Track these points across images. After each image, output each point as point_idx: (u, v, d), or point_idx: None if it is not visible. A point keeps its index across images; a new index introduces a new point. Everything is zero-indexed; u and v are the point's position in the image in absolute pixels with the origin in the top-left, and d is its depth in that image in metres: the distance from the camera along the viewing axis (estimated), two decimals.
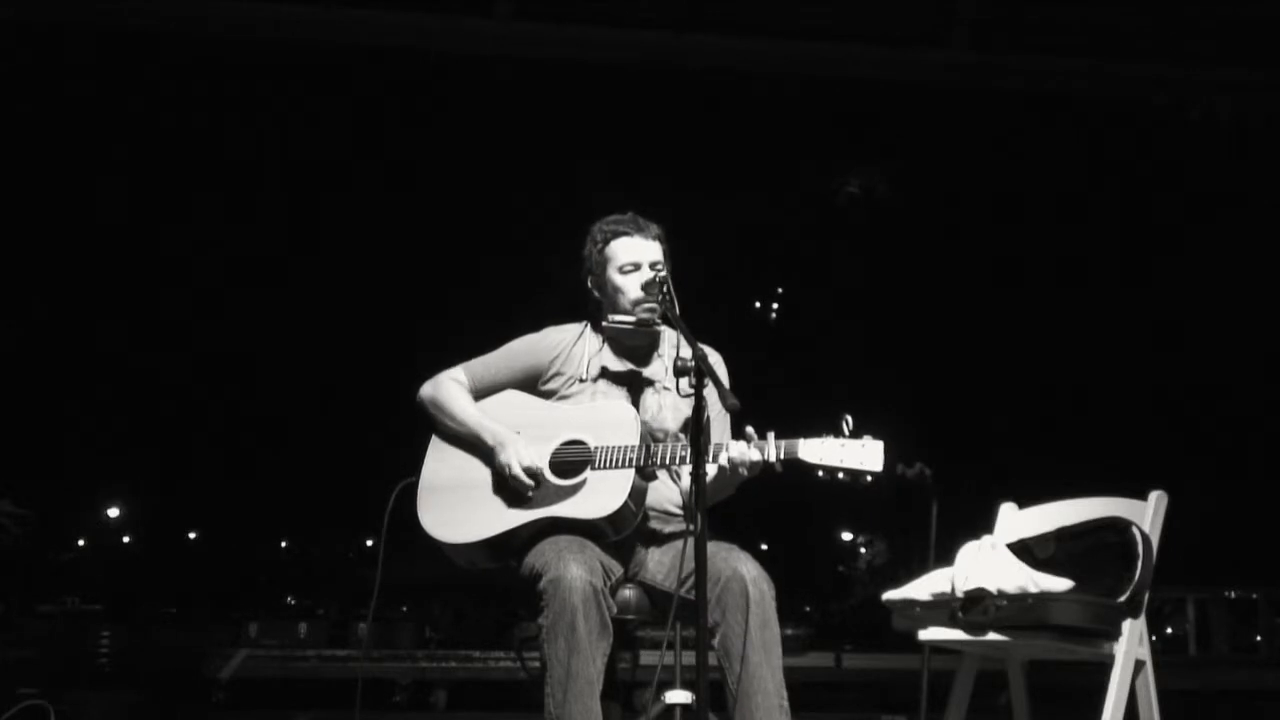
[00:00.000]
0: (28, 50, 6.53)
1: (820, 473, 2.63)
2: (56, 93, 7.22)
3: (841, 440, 2.63)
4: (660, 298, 2.84)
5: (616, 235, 2.98)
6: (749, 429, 2.69)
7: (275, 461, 12.44)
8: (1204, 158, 7.57)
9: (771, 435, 2.68)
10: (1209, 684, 7.59)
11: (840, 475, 2.62)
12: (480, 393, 3.00)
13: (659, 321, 2.94)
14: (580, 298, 3.06)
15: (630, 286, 2.93)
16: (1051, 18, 6.32)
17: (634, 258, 2.95)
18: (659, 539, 2.92)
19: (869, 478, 2.62)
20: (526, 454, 2.81)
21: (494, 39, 6.39)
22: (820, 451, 2.64)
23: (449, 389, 2.99)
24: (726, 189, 8.39)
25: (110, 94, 7.57)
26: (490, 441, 2.86)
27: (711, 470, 2.69)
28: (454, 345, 3.10)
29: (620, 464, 2.76)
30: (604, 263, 2.98)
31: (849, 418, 2.63)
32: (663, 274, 2.91)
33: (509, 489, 2.83)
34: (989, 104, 7.32)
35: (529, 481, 2.79)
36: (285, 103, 7.93)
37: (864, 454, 2.62)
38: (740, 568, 2.70)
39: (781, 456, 2.66)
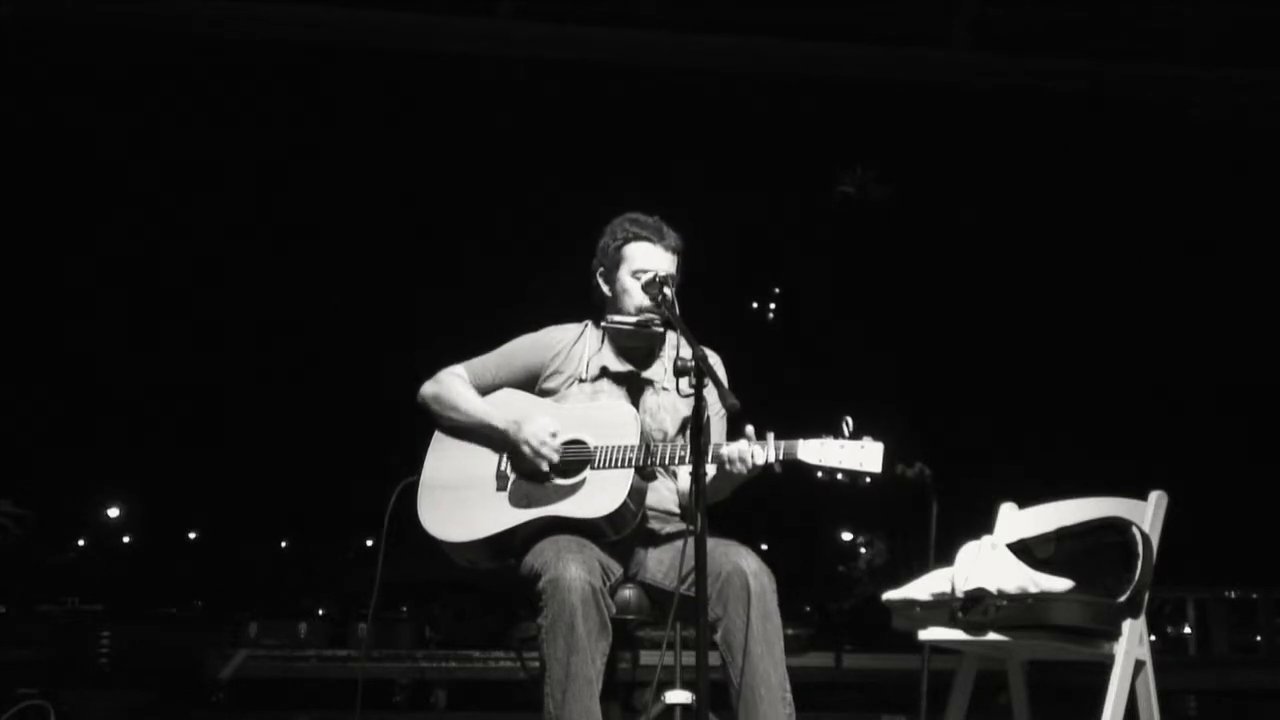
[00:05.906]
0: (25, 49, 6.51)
1: (819, 474, 2.64)
2: (55, 91, 7.21)
3: (841, 441, 2.63)
4: (660, 300, 2.84)
5: (637, 238, 2.97)
6: (748, 428, 2.68)
7: (275, 461, 12.42)
8: (1204, 158, 7.56)
9: (771, 436, 2.67)
10: (1209, 684, 7.58)
11: (839, 476, 2.63)
12: (480, 390, 3.00)
13: (658, 324, 2.93)
14: (583, 287, 3.06)
15: (639, 293, 2.93)
16: (1051, 18, 6.33)
17: (648, 265, 2.94)
18: (658, 539, 2.92)
19: (868, 479, 2.62)
20: (548, 424, 2.80)
21: (494, 39, 6.40)
22: (819, 452, 2.64)
23: (452, 383, 2.99)
24: (725, 188, 8.38)
25: (109, 92, 7.56)
26: (502, 425, 2.86)
27: (711, 471, 2.68)
28: (453, 345, 3.10)
29: (620, 464, 2.76)
30: (618, 261, 2.98)
31: (849, 419, 2.63)
32: (663, 274, 2.91)
33: (510, 487, 2.84)
34: (989, 104, 7.31)
35: (555, 457, 2.78)
36: (284, 102, 7.91)
37: (863, 455, 2.62)
38: (741, 562, 2.71)
39: (780, 457, 2.66)
